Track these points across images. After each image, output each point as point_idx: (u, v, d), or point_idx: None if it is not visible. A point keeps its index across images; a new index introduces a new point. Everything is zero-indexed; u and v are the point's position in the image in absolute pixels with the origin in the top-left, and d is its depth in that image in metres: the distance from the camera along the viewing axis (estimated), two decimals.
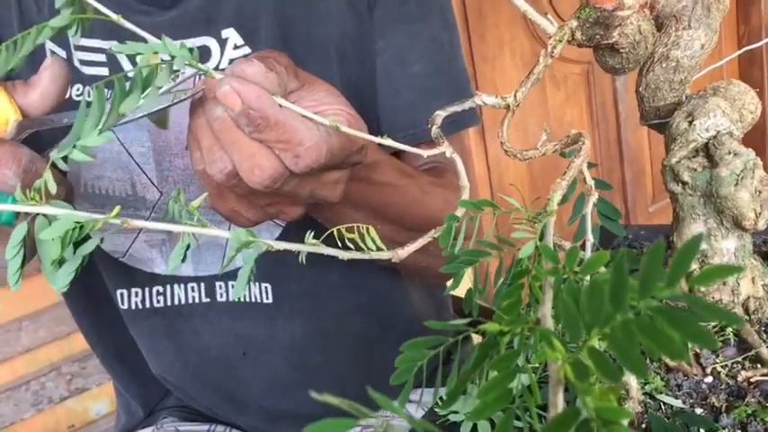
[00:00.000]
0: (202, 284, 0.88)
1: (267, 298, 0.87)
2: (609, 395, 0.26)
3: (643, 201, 2.63)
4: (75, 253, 0.42)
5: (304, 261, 0.46)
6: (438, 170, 0.88)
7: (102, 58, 0.82)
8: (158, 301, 0.88)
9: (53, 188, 0.44)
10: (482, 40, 2.13)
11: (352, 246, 0.47)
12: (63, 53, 0.82)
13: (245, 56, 0.83)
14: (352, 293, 0.92)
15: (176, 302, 0.88)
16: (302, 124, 0.50)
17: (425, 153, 0.51)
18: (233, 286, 0.88)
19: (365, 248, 0.47)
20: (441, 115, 0.52)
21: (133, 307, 0.89)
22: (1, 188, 0.50)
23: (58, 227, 0.41)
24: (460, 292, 0.51)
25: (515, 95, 0.51)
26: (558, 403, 0.27)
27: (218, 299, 0.88)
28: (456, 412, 0.47)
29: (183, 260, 0.46)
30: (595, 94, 2.41)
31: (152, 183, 0.84)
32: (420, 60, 0.89)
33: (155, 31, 0.80)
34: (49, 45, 0.82)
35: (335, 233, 0.49)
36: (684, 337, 0.23)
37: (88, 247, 0.43)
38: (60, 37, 0.81)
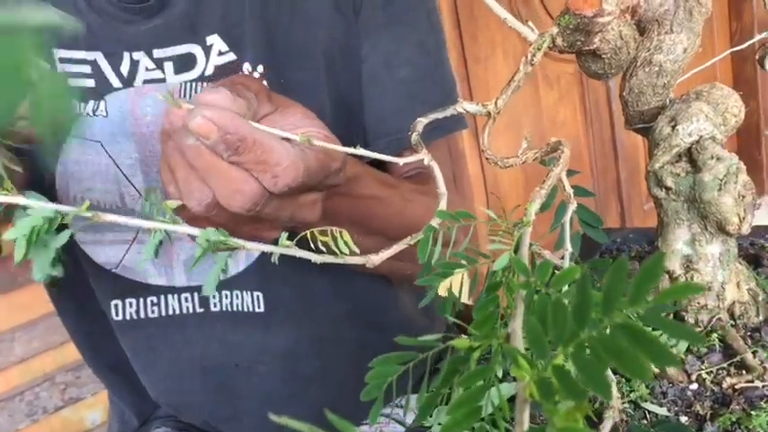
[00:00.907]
0: (196, 294, 0.87)
1: (259, 307, 0.87)
2: (575, 414, 0.25)
3: (638, 199, 2.63)
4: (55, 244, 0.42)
5: (276, 261, 0.45)
6: (423, 176, 0.88)
7: (87, 69, 0.81)
8: (153, 312, 0.88)
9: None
10: (474, 40, 2.13)
11: (324, 249, 0.47)
12: (47, 67, 0.82)
13: (231, 62, 0.82)
14: (345, 300, 0.91)
15: (170, 312, 0.88)
16: (279, 144, 0.50)
17: (401, 161, 0.50)
18: (227, 296, 0.88)
19: (338, 252, 0.47)
20: (422, 122, 0.51)
21: (128, 318, 0.88)
22: None
23: (24, 224, 0.40)
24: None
25: (496, 103, 0.51)
26: (525, 421, 0.27)
27: (212, 308, 0.88)
28: (440, 424, 0.47)
29: (155, 255, 0.46)
30: (589, 94, 2.41)
31: (140, 194, 0.83)
32: (406, 65, 0.89)
33: (138, 40, 0.80)
34: None
35: (308, 236, 0.48)
36: (647, 357, 0.23)
37: (61, 240, 0.43)
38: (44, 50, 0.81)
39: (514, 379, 0.46)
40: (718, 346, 0.51)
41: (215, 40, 0.81)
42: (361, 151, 0.48)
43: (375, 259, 0.46)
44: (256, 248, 0.43)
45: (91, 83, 0.81)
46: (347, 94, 0.88)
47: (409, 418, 0.86)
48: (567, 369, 0.23)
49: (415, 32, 0.89)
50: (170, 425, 1.00)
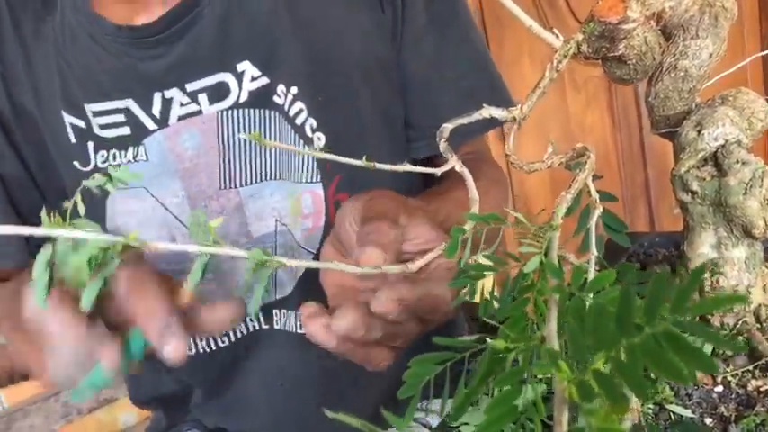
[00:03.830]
0: (260, 312, 0.89)
1: (300, 328, 0.88)
2: (612, 416, 0.26)
3: (667, 203, 2.60)
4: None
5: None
6: (472, 164, 0.92)
7: (121, 118, 0.81)
8: (223, 341, 0.90)
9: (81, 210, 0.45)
10: (501, 45, 2.13)
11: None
12: (81, 123, 0.81)
13: (264, 86, 0.81)
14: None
15: (239, 336, 0.90)
16: (441, 288, 0.54)
17: (438, 171, 0.52)
18: (284, 314, 0.89)
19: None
20: (447, 128, 0.53)
21: (200, 351, 0.90)
22: None
23: (84, 252, 0.43)
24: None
25: (521, 108, 0.52)
26: (564, 422, 0.28)
27: (275, 326, 0.90)
28: (467, 423, 0.48)
29: (201, 277, 0.47)
30: (617, 97, 2.40)
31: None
32: (454, 64, 0.91)
33: (168, 78, 0.79)
34: (68, 119, 0.81)
35: None
36: (686, 363, 0.24)
37: (110, 269, 0.45)
38: (77, 108, 0.80)
39: (540, 380, 0.46)
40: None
41: (246, 67, 0.81)
42: (407, 167, 0.49)
43: (412, 267, 0.47)
44: (296, 264, 0.45)
45: (126, 130, 0.80)
46: (388, 106, 0.89)
47: (433, 422, 0.87)
48: (606, 372, 0.25)
49: (459, 29, 0.92)
50: (199, 427, 1.02)
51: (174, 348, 0.48)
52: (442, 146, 0.52)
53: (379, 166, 0.47)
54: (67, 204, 0.45)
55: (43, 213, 0.43)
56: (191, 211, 0.83)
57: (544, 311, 0.36)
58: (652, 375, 0.46)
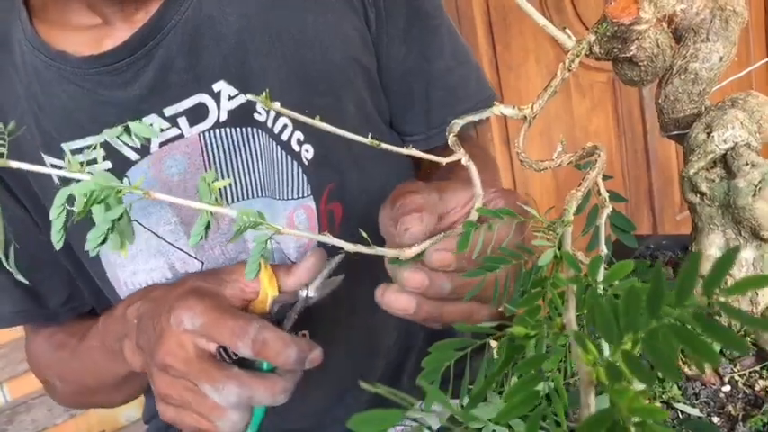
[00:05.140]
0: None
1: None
2: (640, 398, 0.27)
3: (671, 209, 2.61)
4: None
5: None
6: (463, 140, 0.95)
7: (101, 152, 0.80)
8: None
9: None
10: (507, 48, 2.14)
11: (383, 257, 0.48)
12: (62, 163, 0.79)
13: (243, 105, 0.79)
14: (387, 335, 0.94)
15: None
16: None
17: (444, 160, 0.52)
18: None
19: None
20: (458, 123, 0.53)
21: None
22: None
23: (83, 187, 0.44)
24: None
25: (532, 107, 0.52)
26: (591, 405, 0.28)
27: None
28: (476, 418, 0.48)
29: (205, 237, 0.48)
30: (621, 102, 2.40)
31: (190, 255, 0.83)
32: (442, 55, 0.92)
33: (145, 105, 0.78)
34: (48, 160, 0.79)
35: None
36: (720, 343, 0.24)
37: (115, 213, 0.46)
38: (55, 149, 0.80)
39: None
40: (751, 350, 0.52)
41: (222, 86, 0.80)
42: (413, 152, 0.49)
43: (408, 253, 0.47)
44: (290, 234, 0.45)
45: (109, 164, 0.79)
46: (371, 110, 0.89)
47: (434, 423, 0.88)
48: (635, 354, 0.25)
49: (441, 22, 0.93)
50: None
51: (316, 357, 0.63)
52: (451, 140, 0.52)
53: (384, 145, 0.48)
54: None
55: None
56: (186, 235, 0.82)
57: (558, 303, 0.36)
58: (659, 375, 0.46)
